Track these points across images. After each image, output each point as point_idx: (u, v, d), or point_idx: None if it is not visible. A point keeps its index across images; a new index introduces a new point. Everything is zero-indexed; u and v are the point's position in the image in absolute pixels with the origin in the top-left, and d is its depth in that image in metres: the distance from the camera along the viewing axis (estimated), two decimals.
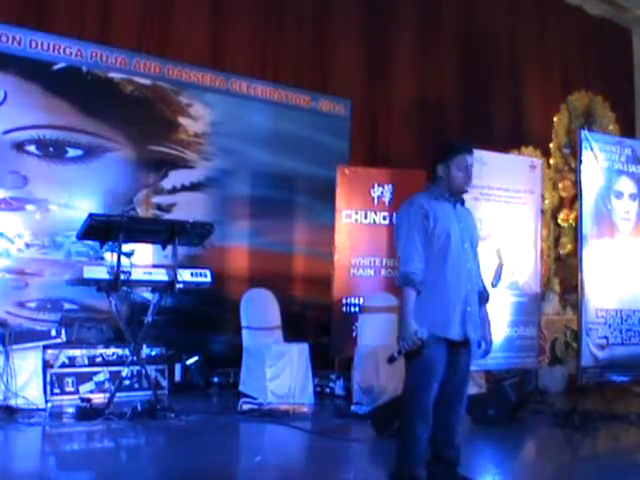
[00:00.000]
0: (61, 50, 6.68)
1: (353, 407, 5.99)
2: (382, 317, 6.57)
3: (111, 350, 6.09)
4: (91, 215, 5.49)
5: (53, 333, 5.71)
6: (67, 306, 6.55)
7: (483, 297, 3.73)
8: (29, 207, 6.51)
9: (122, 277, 5.46)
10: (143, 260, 6.62)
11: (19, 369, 5.39)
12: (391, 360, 3.57)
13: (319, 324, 7.52)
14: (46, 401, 5.56)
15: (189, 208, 7.19)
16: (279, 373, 6.16)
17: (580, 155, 6.22)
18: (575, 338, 7.11)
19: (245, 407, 5.78)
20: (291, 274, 7.92)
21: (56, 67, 6.67)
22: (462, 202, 3.69)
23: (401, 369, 6.33)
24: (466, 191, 3.70)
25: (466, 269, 3.56)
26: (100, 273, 5.50)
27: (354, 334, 6.87)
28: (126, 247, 5.57)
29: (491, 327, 3.77)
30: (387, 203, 7.28)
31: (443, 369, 3.51)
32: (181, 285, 5.69)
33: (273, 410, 5.70)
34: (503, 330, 6.31)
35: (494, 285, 6.26)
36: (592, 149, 6.23)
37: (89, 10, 7.00)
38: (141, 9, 7.30)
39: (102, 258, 6.46)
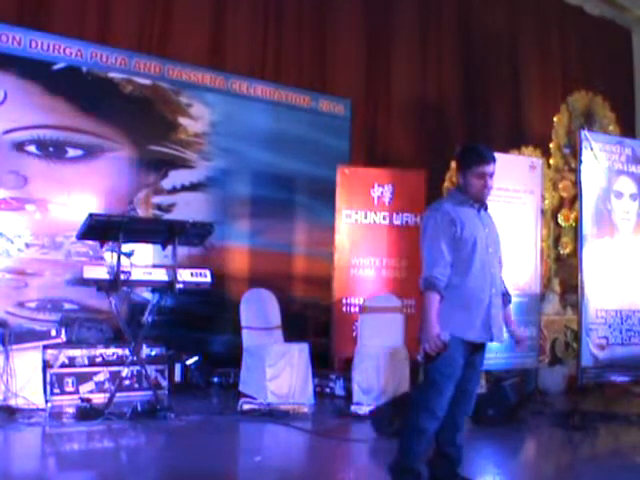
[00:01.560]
0: (61, 50, 6.67)
1: (353, 407, 5.99)
2: (382, 317, 6.58)
3: (111, 350, 6.08)
4: (91, 215, 5.49)
5: (53, 333, 5.71)
6: (67, 306, 6.55)
7: (506, 299, 3.84)
8: (29, 207, 6.50)
9: (122, 277, 5.46)
10: (143, 260, 6.62)
11: (19, 369, 5.40)
12: (419, 360, 3.61)
13: (319, 324, 7.52)
14: (46, 401, 5.56)
15: (189, 208, 7.19)
16: (279, 373, 6.15)
17: (580, 155, 6.22)
18: (575, 338, 7.10)
19: (245, 407, 5.78)
20: (291, 274, 7.92)
21: (56, 67, 6.66)
22: (485, 207, 3.74)
23: (401, 370, 6.36)
24: (484, 199, 3.71)
25: (490, 273, 3.63)
26: (100, 273, 5.50)
27: (354, 334, 6.87)
28: (126, 247, 5.57)
29: (514, 324, 3.91)
30: (387, 203, 7.29)
31: (460, 370, 3.56)
32: (181, 285, 5.69)
33: (273, 410, 5.69)
34: (503, 330, 6.30)
35: None
36: (592, 149, 6.23)
37: (89, 10, 6.99)
38: (141, 9, 7.29)
39: (102, 258, 6.46)
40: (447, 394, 3.53)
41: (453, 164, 7.37)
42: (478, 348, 3.65)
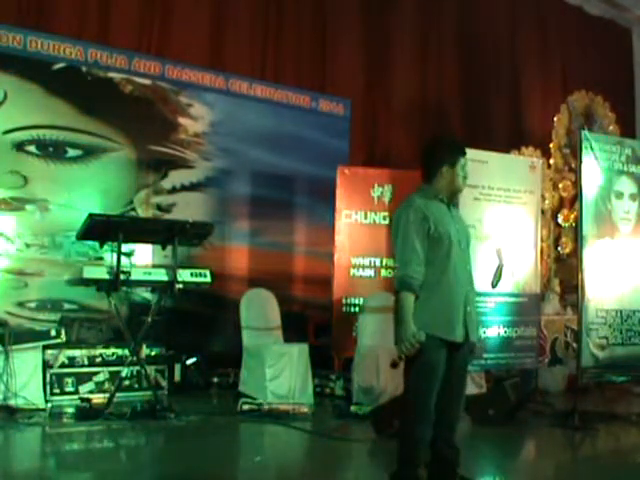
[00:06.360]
0: (61, 50, 6.67)
1: (353, 407, 5.98)
2: (382, 317, 6.55)
3: (111, 350, 6.08)
4: (91, 215, 5.49)
5: (53, 333, 5.71)
6: (67, 306, 6.54)
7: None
8: (29, 207, 6.50)
9: (122, 277, 5.46)
10: (143, 260, 6.63)
11: (19, 369, 5.40)
12: (394, 365, 3.54)
13: (319, 324, 7.52)
14: (46, 401, 5.56)
15: (189, 208, 7.18)
16: (279, 373, 6.15)
17: (580, 155, 6.22)
18: (575, 338, 7.10)
19: (245, 407, 5.77)
20: (291, 274, 7.92)
21: (56, 67, 6.66)
22: (455, 204, 3.70)
23: (401, 370, 6.32)
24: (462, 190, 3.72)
25: (466, 270, 3.57)
26: (100, 273, 5.50)
27: (354, 334, 6.87)
28: (126, 247, 5.57)
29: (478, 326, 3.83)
30: (387, 203, 7.30)
31: (443, 371, 3.51)
32: (181, 285, 5.69)
33: (273, 410, 5.68)
34: (503, 330, 6.30)
35: (494, 285, 6.24)
36: (592, 149, 6.22)
37: (89, 10, 7.00)
38: (141, 9, 7.30)
39: (102, 258, 6.46)
40: (433, 397, 3.45)
41: None
42: (459, 346, 3.53)
